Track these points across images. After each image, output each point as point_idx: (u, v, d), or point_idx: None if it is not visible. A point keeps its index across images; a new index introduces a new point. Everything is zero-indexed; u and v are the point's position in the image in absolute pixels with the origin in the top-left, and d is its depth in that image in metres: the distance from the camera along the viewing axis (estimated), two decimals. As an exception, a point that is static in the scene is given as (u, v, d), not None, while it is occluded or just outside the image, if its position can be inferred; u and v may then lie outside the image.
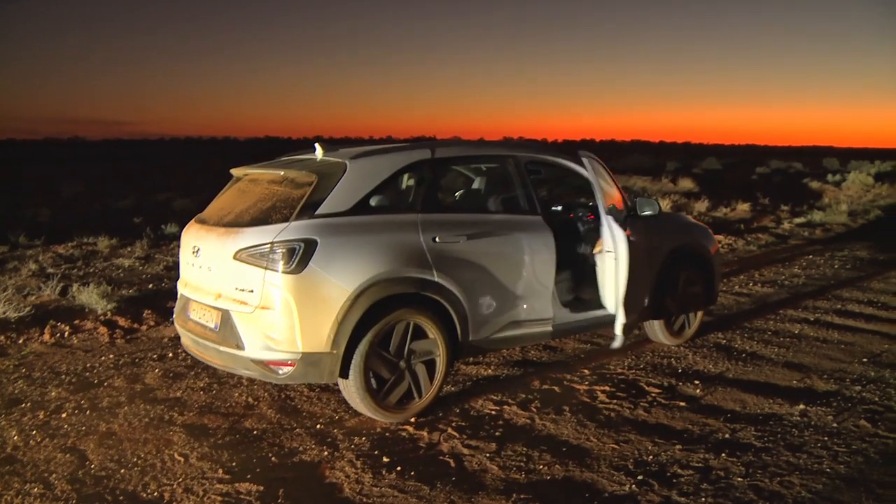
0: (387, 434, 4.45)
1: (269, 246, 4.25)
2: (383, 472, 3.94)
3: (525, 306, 5.10)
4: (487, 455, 4.13)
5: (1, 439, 4.38)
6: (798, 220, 15.03)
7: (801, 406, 4.84)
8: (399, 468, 3.98)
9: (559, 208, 6.64)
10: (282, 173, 4.79)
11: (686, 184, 23.37)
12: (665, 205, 16.04)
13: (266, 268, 4.25)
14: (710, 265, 6.37)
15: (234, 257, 4.39)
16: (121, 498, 3.69)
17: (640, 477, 3.86)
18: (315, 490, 3.77)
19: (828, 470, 3.92)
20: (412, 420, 4.62)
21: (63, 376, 5.50)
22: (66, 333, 6.56)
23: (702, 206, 16.64)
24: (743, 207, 16.62)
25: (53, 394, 5.14)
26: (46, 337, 6.44)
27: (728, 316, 7.31)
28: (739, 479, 3.83)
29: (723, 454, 4.12)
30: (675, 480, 3.82)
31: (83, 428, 4.55)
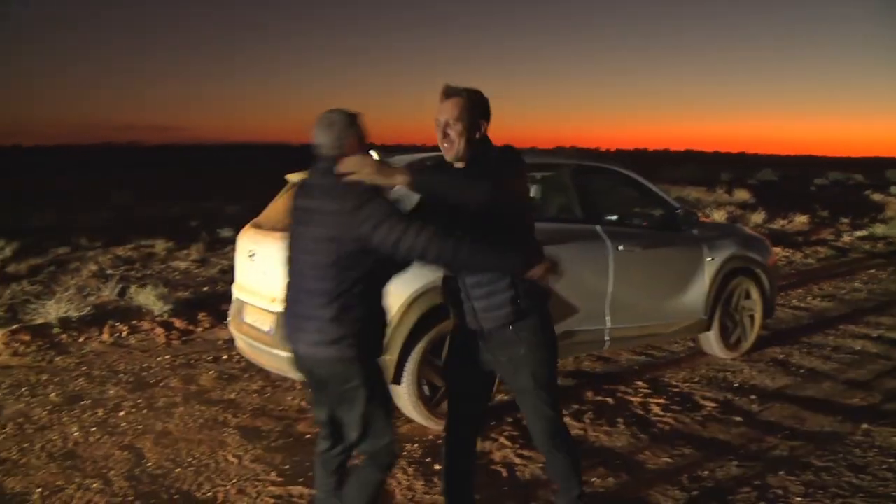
0: (439, 441, 4.43)
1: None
2: (435, 479, 3.93)
3: (581, 314, 5.02)
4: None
5: (63, 434, 4.50)
6: (859, 233, 14.61)
7: (865, 425, 4.67)
8: (450, 476, 3.96)
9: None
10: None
11: (742, 195, 22.91)
12: (721, 216, 15.76)
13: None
14: (767, 277, 6.23)
15: (290, 262, 4.42)
16: (176, 497, 3.75)
17: (694, 493, 3.78)
18: (366, 495, 3.77)
19: (894, 494, 3.78)
20: (463, 428, 4.59)
21: (121, 375, 5.62)
22: (124, 333, 6.71)
23: (758, 217, 16.28)
24: (801, 219, 16.21)
25: (112, 392, 5.26)
26: (105, 336, 6.60)
27: (786, 330, 7.12)
28: (799, 498, 3.71)
29: (781, 472, 4.00)
30: (730, 498, 3.73)
31: (140, 427, 4.64)
